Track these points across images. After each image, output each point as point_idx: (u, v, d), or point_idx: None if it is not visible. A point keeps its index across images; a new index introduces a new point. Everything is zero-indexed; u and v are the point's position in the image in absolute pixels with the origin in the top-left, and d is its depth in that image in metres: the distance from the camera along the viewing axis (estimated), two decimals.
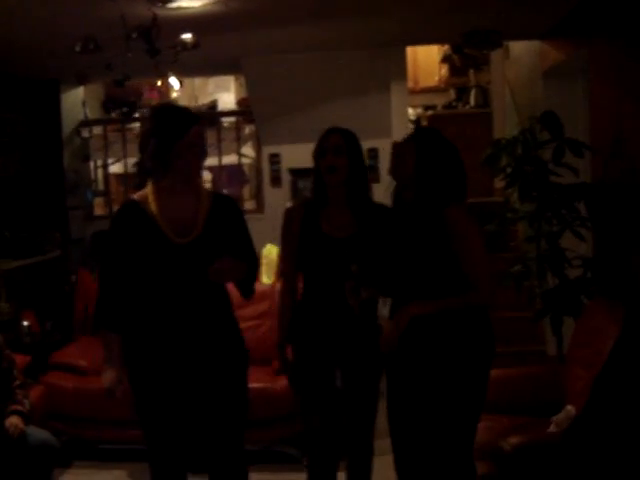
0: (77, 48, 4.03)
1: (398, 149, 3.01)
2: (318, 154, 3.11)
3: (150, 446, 2.91)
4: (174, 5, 3.96)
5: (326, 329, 3.09)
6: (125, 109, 7.35)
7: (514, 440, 3.10)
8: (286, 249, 3.23)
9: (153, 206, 2.79)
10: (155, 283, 2.78)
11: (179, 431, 2.86)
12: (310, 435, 3.16)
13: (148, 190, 2.84)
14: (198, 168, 2.88)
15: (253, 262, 2.96)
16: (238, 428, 2.91)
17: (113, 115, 7.50)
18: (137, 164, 2.89)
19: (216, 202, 2.88)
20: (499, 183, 6.65)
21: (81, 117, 7.16)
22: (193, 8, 4.19)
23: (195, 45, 4.25)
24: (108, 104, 7.59)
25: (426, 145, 2.93)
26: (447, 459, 2.88)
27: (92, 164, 7.40)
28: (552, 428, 3.37)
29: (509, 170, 4.69)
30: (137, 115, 7.48)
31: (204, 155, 2.86)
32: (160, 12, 3.95)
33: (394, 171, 3.01)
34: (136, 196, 2.86)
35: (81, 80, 5.80)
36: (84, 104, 7.20)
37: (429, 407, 2.84)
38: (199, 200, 2.84)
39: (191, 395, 2.83)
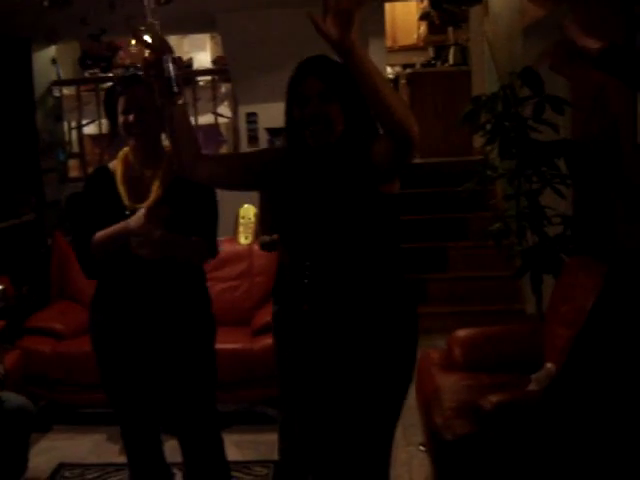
0: (45, 2, 3.91)
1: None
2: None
3: (117, 411, 2.91)
4: None
5: None
6: (103, 64, 7.20)
7: (494, 398, 3.10)
8: None
9: (118, 171, 2.79)
10: None
11: (146, 395, 2.85)
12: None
13: (119, 157, 2.83)
14: (143, 129, 2.72)
15: (206, 237, 2.80)
16: (206, 391, 2.88)
17: (88, 73, 7.34)
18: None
19: None
20: (478, 141, 6.62)
21: (54, 77, 7.01)
22: None
23: (168, 0, 4.14)
24: (85, 60, 7.42)
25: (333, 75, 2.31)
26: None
27: (66, 125, 7.27)
28: (532, 386, 3.37)
29: (489, 127, 4.65)
30: (111, 75, 7.34)
31: (149, 117, 2.70)
32: None
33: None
34: (111, 163, 2.86)
35: (51, 38, 5.66)
36: (54, 62, 7.03)
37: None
38: (160, 165, 2.77)
39: (157, 359, 2.80)
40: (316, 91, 2.28)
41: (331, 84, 2.28)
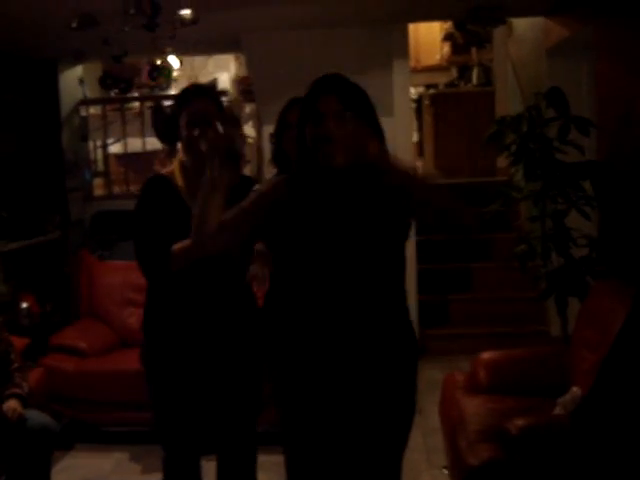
0: (73, 24, 3.96)
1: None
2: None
3: (164, 430, 2.85)
4: None
5: None
6: (122, 85, 7.27)
7: (520, 422, 3.06)
8: None
9: (179, 180, 2.76)
10: None
11: (196, 414, 2.81)
12: None
13: (174, 166, 2.81)
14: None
15: None
16: (252, 411, 2.88)
17: (112, 93, 7.41)
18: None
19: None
20: (502, 162, 6.60)
21: (80, 96, 7.08)
22: None
23: (194, 21, 4.17)
24: (106, 80, 7.49)
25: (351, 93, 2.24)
26: None
27: (91, 144, 7.33)
28: (558, 410, 3.33)
29: (514, 148, 4.63)
30: (136, 94, 7.41)
31: (212, 130, 2.64)
32: None
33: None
34: (163, 171, 2.84)
35: (78, 58, 5.73)
36: (81, 82, 7.11)
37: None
38: None
39: (209, 378, 2.78)
40: (333, 109, 2.17)
41: (348, 103, 2.18)
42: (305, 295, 2.27)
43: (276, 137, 3.01)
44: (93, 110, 7.23)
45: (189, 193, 2.72)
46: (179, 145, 2.81)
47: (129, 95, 7.39)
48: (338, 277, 2.21)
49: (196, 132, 2.67)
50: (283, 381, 2.37)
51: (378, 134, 2.22)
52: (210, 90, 2.90)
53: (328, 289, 2.23)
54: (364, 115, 2.20)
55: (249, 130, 7.15)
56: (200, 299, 2.73)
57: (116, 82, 7.25)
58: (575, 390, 3.39)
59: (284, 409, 2.37)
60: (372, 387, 2.27)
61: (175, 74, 8.11)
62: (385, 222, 2.22)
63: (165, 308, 2.79)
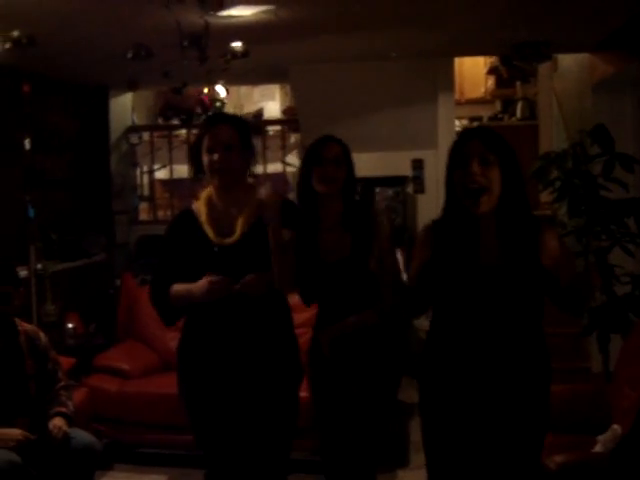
0: (129, 55, 4.08)
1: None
2: (314, 162, 2.96)
3: (205, 454, 2.89)
4: (225, 13, 3.98)
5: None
6: (183, 116, 7.43)
7: (559, 458, 3.05)
8: None
9: (202, 210, 2.82)
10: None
11: (233, 440, 2.83)
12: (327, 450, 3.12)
13: (201, 199, 2.87)
14: (227, 168, 2.75)
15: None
16: (286, 437, 2.89)
17: (175, 122, 7.58)
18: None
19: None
20: (545, 196, 6.58)
21: (129, 123, 7.25)
22: (244, 17, 4.21)
23: (245, 54, 4.28)
24: (166, 111, 7.67)
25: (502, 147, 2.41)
26: None
27: (138, 169, 7.49)
28: (598, 447, 3.30)
29: (558, 184, 4.63)
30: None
31: (233, 155, 2.75)
32: (211, 20, 3.98)
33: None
34: (193, 205, 2.89)
35: (132, 87, 5.89)
36: (133, 110, 7.29)
37: None
38: (246, 204, 2.80)
39: (245, 403, 2.80)
40: (477, 152, 2.34)
41: (492, 147, 2.35)
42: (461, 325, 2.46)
43: (304, 170, 3.03)
44: (143, 137, 7.38)
45: (210, 221, 2.78)
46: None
47: (176, 123, 7.55)
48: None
49: (215, 157, 2.72)
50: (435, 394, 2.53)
51: (520, 180, 2.41)
52: (232, 118, 2.95)
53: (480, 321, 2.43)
54: (508, 160, 2.38)
55: (293, 159, 7.23)
56: (236, 326, 2.76)
57: (177, 113, 7.42)
58: (616, 428, 3.36)
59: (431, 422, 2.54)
60: (511, 405, 2.45)
61: (218, 103, 8.27)
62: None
63: (201, 334, 2.82)
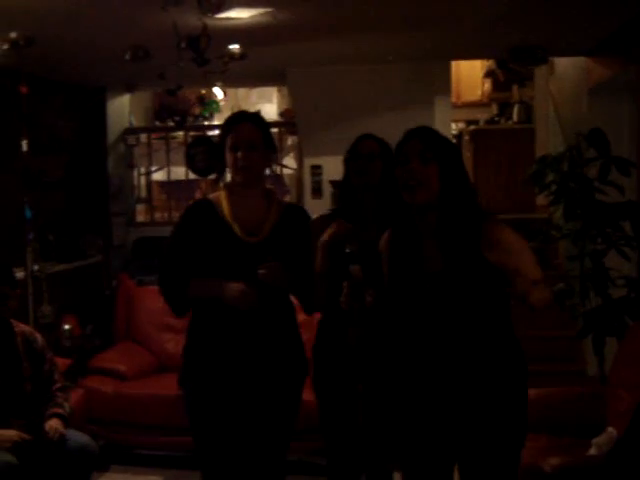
0: (127, 56, 4.08)
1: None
2: (350, 158, 3.08)
3: (203, 455, 2.87)
4: (223, 15, 3.99)
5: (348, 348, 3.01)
6: (177, 118, 7.44)
7: (554, 461, 3.06)
8: None
9: (224, 204, 2.83)
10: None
11: (233, 439, 2.82)
12: (332, 451, 3.11)
13: (221, 191, 2.89)
14: (250, 166, 2.78)
15: (311, 276, 2.89)
16: (285, 438, 2.90)
17: (170, 123, 7.59)
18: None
19: (288, 211, 2.91)
20: (541, 200, 6.59)
21: (126, 124, 7.25)
22: (242, 19, 4.22)
23: (243, 56, 4.28)
24: (162, 113, 7.69)
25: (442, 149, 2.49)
26: None
27: (135, 171, 7.49)
28: (593, 450, 3.32)
29: (554, 187, 4.65)
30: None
31: (256, 154, 2.78)
32: (209, 22, 3.98)
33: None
34: (210, 196, 2.92)
35: (130, 88, 5.89)
36: (130, 112, 7.29)
37: None
38: (270, 205, 2.86)
39: (247, 403, 2.80)
40: (416, 150, 2.43)
41: (430, 146, 2.44)
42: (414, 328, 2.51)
43: (344, 166, 3.13)
44: (142, 138, 7.38)
45: (234, 217, 2.80)
46: (226, 173, 2.89)
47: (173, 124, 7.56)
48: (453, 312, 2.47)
49: (239, 155, 2.75)
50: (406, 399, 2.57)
51: (460, 175, 2.50)
52: (254, 116, 2.97)
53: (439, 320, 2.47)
54: (447, 158, 2.46)
55: (290, 161, 7.25)
56: (243, 326, 2.77)
57: (171, 114, 7.43)
58: (610, 431, 3.38)
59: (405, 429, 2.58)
60: (485, 406, 2.48)
61: (216, 105, 8.30)
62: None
63: (208, 334, 2.82)
